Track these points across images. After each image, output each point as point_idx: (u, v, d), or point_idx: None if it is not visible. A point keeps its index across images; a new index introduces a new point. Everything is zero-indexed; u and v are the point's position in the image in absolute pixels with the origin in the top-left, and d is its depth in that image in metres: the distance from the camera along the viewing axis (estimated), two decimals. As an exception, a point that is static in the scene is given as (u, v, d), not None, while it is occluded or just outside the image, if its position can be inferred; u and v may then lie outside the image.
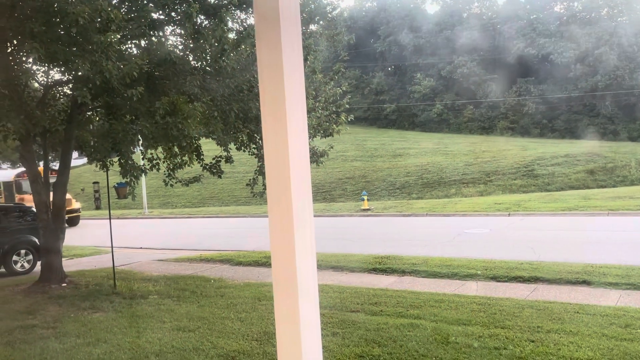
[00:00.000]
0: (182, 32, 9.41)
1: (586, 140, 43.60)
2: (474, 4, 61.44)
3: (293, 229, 1.51)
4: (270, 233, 1.57)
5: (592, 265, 10.03)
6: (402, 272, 10.59)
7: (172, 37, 10.14)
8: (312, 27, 11.05)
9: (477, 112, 51.31)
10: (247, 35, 9.56)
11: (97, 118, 11.12)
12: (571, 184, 31.08)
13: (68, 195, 14.29)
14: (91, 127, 10.98)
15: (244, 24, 10.20)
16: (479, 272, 10.03)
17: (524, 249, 12.40)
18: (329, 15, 11.16)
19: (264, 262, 12.45)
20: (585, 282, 8.98)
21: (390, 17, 59.17)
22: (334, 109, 11.27)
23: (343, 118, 11.21)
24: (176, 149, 10.46)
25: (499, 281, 9.47)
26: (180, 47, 9.91)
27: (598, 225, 15.23)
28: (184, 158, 10.67)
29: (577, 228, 15.14)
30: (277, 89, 1.49)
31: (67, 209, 14.51)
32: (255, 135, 10.71)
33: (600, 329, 6.49)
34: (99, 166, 10.44)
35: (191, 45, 9.47)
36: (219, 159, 11.29)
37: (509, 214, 18.66)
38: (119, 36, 8.29)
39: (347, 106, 11.49)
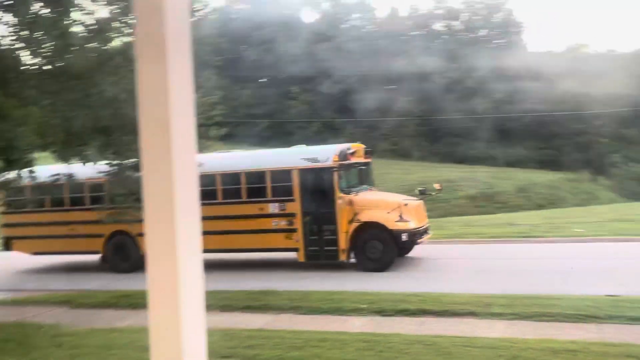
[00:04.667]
0: (15, 19, 8.70)
1: (466, 165, 47.56)
2: (354, 16, 64.77)
3: (177, 264, 1.42)
4: (148, 265, 1.45)
5: (477, 295, 10.81)
6: (280, 310, 10.58)
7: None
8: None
9: (357, 131, 53.66)
10: (99, 30, 9.10)
11: None
12: (452, 210, 33.52)
13: None
14: None
15: (96, 16, 9.72)
16: (364, 306, 10.34)
17: (410, 279, 13.04)
18: (194, 14, 11.05)
19: (113, 303, 11.73)
20: (472, 314, 9.64)
21: (264, 23, 60.14)
22: (203, 122, 11.09)
23: (214, 132, 11.09)
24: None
25: (385, 315, 9.83)
26: (11, 39, 9.15)
27: (481, 254, 16.51)
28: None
29: (462, 256, 16.27)
30: (160, 101, 1.42)
31: None
32: (109, 148, 10.17)
33: (490, 362, 6.98)
34: None
35: (25, 37, 8.79)
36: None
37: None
38: None
39: (219, 119, 11.39)
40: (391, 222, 14.22)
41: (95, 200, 15.87)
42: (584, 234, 18.23)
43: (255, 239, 15.22)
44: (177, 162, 1.46)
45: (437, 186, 15.85)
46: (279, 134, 56.79)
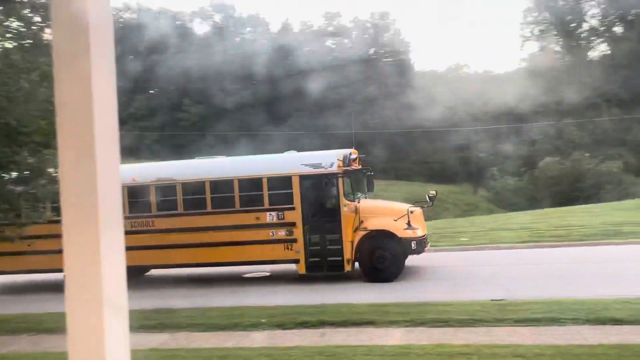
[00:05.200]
0: None
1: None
2: (247, 29, 64.81)
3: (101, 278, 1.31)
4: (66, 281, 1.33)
5: (375, 304, 11.08)
6: (176, 328, 10.22)
7: None
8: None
9: (252, 145, 53.47)
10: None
11: None
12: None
13: None
14: None
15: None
16: (263, 320, 10.24)
17: (309, 292, 13.11)
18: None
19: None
20: (371, 322, 9.85)
21: (154, 32, 58.53)
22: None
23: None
24: None
25: (285, 329, 9.79)
26: None
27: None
28: None
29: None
30: (83, 102, 1.34)
31: None
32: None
33: (391, 370, 7.14)
34: None
35: None
36: None
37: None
38: None
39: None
40: (400, 230, 13.59)
41: None
42: (468, 242, 19.29)
43: (251, 250, 14.19)
44: (100, 169, 1.36)
45: (432, 192, 15.13)
46: (170, 146, 55.34)
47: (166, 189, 14.81)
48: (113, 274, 1.43)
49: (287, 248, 14.01)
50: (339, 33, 63.77)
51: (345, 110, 53.09)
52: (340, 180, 13.78)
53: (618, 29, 54.70)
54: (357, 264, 13.91)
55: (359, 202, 13.99)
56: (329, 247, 13.88)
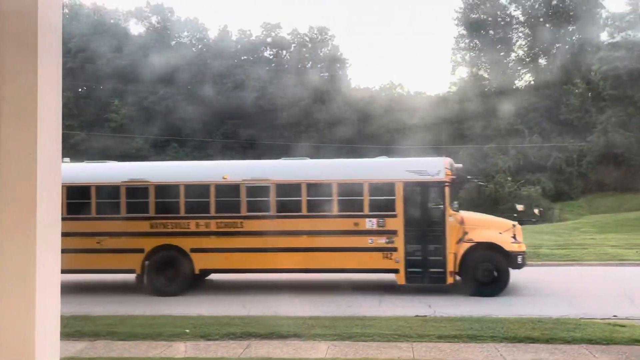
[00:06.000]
0: None
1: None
2: (184, 33, 63.85)
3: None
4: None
5: (302, 317, 11.07)
6: (95, 336, 9.83)
7: None
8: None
9: (182, 150, 52.51)
10: None
11: None
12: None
13: None
14: None
15: None
16: (187, 330, 10.02)
17: (235, 303, 12.97)
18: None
19: None
20: (296, 335, 9.84)
21: (84, 29, 56.62)
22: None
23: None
24: None
25: (209, 339, 9.62)
26: None
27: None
28: None
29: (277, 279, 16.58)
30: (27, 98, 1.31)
31: None
32: None
33: (315, 383, 7.15)
34: None
35: None
36: None
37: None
38: None
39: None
40: (507, 243, 13.32)
41: None
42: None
43: (346, 258, 13.56)
44: (40, 169, 1.32)
45: (519, 208, 14.59)
46: (96, 148, 53.50)
47: (258, 189, 14.10)
48: (47, 277, 1.38)
49: (386, 257, 13.48)
50: (277, 45, 63.94)
51: (279, 122, 53.18)
52: (446, 188, 13.43)
53: (542, 61, 57.74)
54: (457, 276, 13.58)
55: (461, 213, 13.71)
56: (430, 257, 13.45)
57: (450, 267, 13.28)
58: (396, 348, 9.03)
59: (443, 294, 13.77)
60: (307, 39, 64.34)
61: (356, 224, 13.54)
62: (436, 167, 13.58)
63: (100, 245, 13.94)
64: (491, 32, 59.32)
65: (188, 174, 14.62)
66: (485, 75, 59.03)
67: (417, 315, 11.46)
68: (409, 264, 13.44)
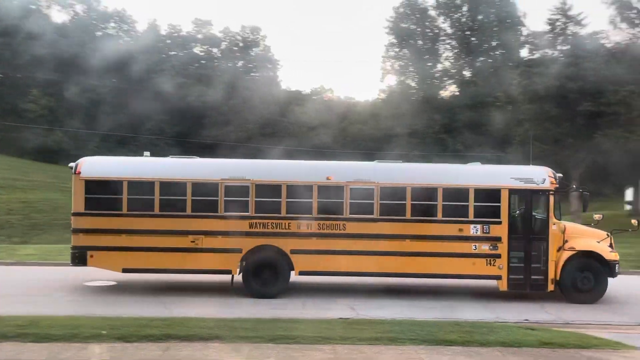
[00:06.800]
0: None
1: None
2: (111, 24, 61.72)
3: None
4: None
5: (224, 319, 10.92)
6: (2, 337, 9.28)
7: None
8: None
9: (104, 145, 50.65)
10: None
11: None
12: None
13: None
14: None
15: None
16: (104, 331, 9.65)
17: (156, 304, 12.63)
18: None
19: None
20: (218, 337, 9.68)
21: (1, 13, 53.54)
22: None
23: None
24: None
25: (127, 341, 9.30)
26: None
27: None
28: None
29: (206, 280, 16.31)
30: None
31: None
32: None
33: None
34: None
35: None
36: None
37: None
38: None
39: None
40: (607, 252, 13.59)
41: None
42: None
43: (449, 263, 13.58)
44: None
45: (597, 217, 14.30)
46: (11, 139, 50.67)
47: (362, 191, 13.85)
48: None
49: (490, 263, 13.54)
50: (208, 42, 62.96)
51: (207, 120, 52.37)
52: (551, 197, 13.61)
53: (467, 73, 59.90)
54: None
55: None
56: (533, 265, 13.60)
57: (551, 274, 13.58)
58: (318, 350, 9.06)
59: (367, 296, 13.98)
60: (239, 38, 63.76)
61: (461, 230, 13.63)
62: (541, 176, 13.90)
63: (195, 244, 13.56)
64: (420, 42, 60.98)
65: (290, 174, 14.15)
66: (413, 85, 60.56)
67: (340, 318, 11.57)
68: (511, 270, 13.63)
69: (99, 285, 14.95)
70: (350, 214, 13.73)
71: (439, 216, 13.68)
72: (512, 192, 13.78)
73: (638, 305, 13.71)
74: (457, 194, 13.77)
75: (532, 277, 13.65)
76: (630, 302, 14.01)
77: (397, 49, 62.04)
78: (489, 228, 13.63)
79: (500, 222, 13.63)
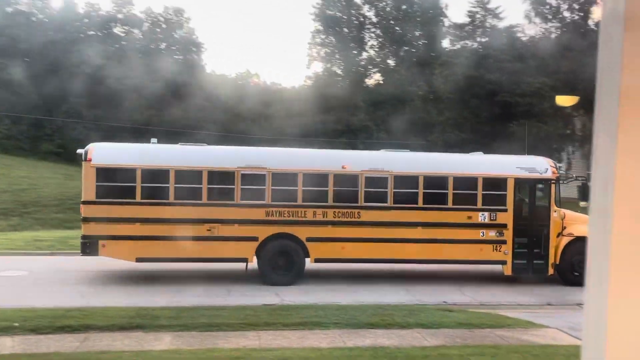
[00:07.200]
0: None
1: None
2: (23, 0, 58.19)
3: None
4: None
5: (145, 308, 10.68)
6: None
7: None
8: None
9: (15, 128, 47.98)
10: None
11: None
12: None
13: None
14: None
15: None
16: (16, 323, 9.21)
17: (72, 293, 12.17)
18: None
19: None
20: (139, 327, 9.46)
21: None
22: None
23: None
24: None
25: (41, 333, 8.92)
26: None
27: (152, 266, 16.33)
28: None
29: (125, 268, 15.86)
30: None
31: None
32: None
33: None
34: None
35: None
36: None
37: (51, 253, 18.00)
38: None
39: None
40: None
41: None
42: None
43: (459, 249, 14.07)
44: None
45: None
46: None
47: (376, 180, 14.10)
48: None
49: (496, 249, 14.07)
50: (129, 22, 60.64)
51: (129, 104, 50.59)
52: (553, 185, 14.20)
53: (391, 62, 60.94)
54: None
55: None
56: (535, 250, 14.19)
57: (552, 259, 14.27)
58: (243, 337, 9.05)
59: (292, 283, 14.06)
60: (162, 19, 61.80)
61: (469, 217, 14.12)
62: (544, 165, 14.60)
63: (211, 232, 13.38)
64: (345, 30, 61.38)
65: (306, 162, 14.28)
66: (339, 72, 60.98)
67: (264, 304, 11.59)
68: (516, 256, 14.26)
69: (10, 275, 14.24)
70: (364, 202, 14.02)
71: (450, 204, 14.17)
72: (518, 181, 14.40)
73: (547, 287, 14.54)
74: (466, 183, 14.32)
75: (535, 261, 14.40)
76: (539, 284, 14.84)
77: (323, 36, 62.17)
78: (495, 215, 14.21)
79: (506, 210, 14.25)
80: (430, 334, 9.48)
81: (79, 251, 13.43)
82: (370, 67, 61.83)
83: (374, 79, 61.67)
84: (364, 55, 62.11)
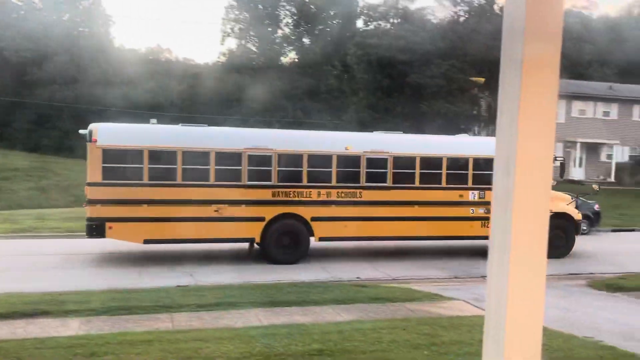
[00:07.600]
0: None
1: (39, 154, 44.38)
2: None
3: None
4: None
5: (51, 293, 10.21)
6: None
7: None
8: None
9: None
10: None
11: None
12: (21, 202, 30.83)
13: None
14: None
15: None
16: None
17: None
18: None
19: None
20: (45, 313, 9.04)
21: None
22: None
23: None
24: None
25: None
26: None
27: (57, 249, 15.62)
28: None
29: (34, 252, 15.08)
30: None
31: None
32: None
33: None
34: None
35: None
36: None
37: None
38: None
39: None
40: (575, 213, 15.81)
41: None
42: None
43: (451, 226, 14.99)
44: None
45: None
46: None
47: (377, 161, 14.65)
48: None
49: (484, 225, 14.66)
50: (28, -10, 56.68)
51: (29, 78, 47.64)
52: None
53: (306, 40, 60.87)
54: None
55: None
56: None
57: None
58: (156, 320, 8.85)
59: (205, 263, 13.91)
60: (65, -11, 58.23)
61: (461, 196, 15.05)
62: None
63: (219, 213, 13.42)
64: (260, 6, 60.54)
65: (311, 144, 14.58)
66: (254, 49, 60.21)
67: (178, 286, 11.40)
68: None
69: None
70: (366, 182, 14.61)
71: (444, 184, 15.09)
72: None
73: (454, 261, 15.23)
74: (459, 163, 15.26)
75: None
76: (449, 258, 15.53)
77: (237, 12, 61.04)
78: (484, 194, 15.18)
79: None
80: (344, 309, 9.69)
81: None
82: (285, 45, 61.47)
83: (289, 57, 61.41)
84: (279, 32, 61.60)
